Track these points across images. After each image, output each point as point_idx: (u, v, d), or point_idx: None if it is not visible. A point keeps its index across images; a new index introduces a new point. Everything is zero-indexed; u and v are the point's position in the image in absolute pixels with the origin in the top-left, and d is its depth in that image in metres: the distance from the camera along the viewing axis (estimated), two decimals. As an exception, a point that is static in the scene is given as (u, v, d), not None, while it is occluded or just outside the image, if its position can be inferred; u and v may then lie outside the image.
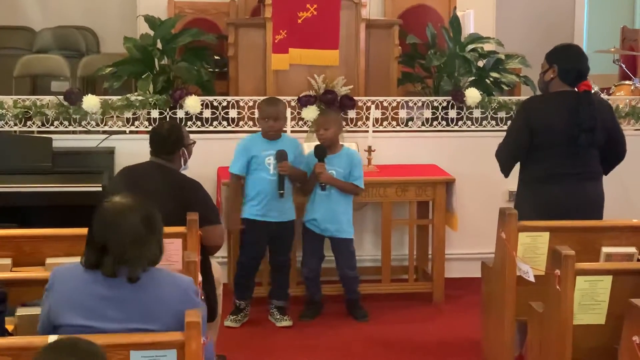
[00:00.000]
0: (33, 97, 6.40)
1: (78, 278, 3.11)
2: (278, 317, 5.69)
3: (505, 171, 5.07)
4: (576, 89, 4.91)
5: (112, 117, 6.33)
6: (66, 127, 6.26)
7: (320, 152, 5.61)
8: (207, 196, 4.70)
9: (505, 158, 5.03)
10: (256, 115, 6.31)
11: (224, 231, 4.83)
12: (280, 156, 5.50)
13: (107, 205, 3.16)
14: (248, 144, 5.62)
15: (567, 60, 4.93)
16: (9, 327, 3.32)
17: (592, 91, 4.98)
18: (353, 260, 5.77)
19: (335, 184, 5.63)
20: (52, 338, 2.76)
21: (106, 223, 3.11)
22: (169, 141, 4.70)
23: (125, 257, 3.06)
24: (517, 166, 5.04)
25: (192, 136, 4.96)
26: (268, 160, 5.54)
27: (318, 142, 5.72)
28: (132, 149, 5.98)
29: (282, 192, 5.49)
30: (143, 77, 6.55)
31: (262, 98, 6.34)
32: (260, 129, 5.68)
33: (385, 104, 6.54)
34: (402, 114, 6.59)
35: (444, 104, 6.60)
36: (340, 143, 5.78)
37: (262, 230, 5.56)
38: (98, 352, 2.54)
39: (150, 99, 6.34)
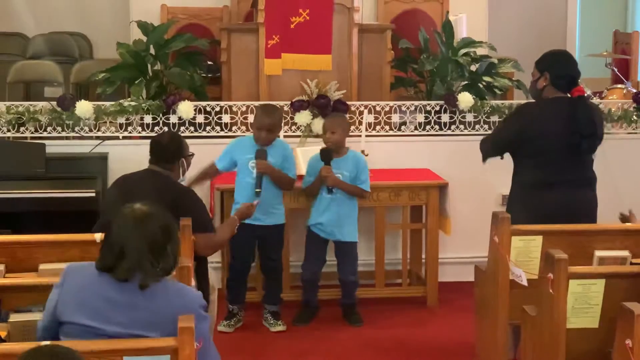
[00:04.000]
0: (26, 103, 6.40)
1: (90, 277, 3.14)
2: (272, 322, 5.69)
3: (485, 159, 5.10)
4: (569, 95, 4.92)
5: (105, 122, 6.33)
6: (59, 132, 6.26)
7: (326, 155, 5.58)
8: (201, 204, 4.69)
9: (487, 151, 5.06)
10: (249, 120, 6.31)
11: (217, 240, 4.80)
12: (259, 154, 5.45)
13: (128, 211, 3.19)
14: (234, 146, 5.62)
15: (559, 67, 4.92)
16: (2, 334, 3.32)
17: (585, 95, 4.99)
18: (355, 264, 5.77)
19: (342, 187, 5.61)
20: (44, 344, 2.75)
21: (127, 228, 3.13)
22: (169, 151, 4.73)
23: (142, 264, 3.08)
24: (510, 170, 5.04)
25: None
26: (252, 164, 5.48)
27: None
28: (125, 154, 5.99)
29: (258, 190, 5.38)
30: (136, 82, 6.54)
31: (255, 103, 6.36)
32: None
33: (378, 108, 6.54)
34: (395, 118, 6.60)
35: (437, 108, 6.60)
36: (346, 146, 5.77)
37: (249, 233, 5.47)
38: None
39: (144, 105, 6.34)
